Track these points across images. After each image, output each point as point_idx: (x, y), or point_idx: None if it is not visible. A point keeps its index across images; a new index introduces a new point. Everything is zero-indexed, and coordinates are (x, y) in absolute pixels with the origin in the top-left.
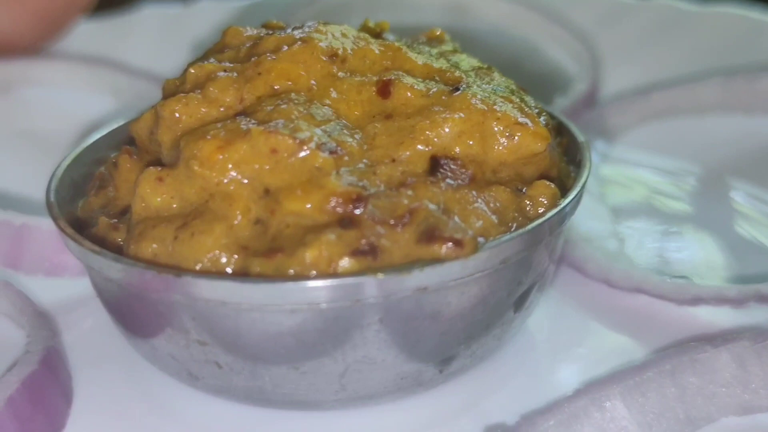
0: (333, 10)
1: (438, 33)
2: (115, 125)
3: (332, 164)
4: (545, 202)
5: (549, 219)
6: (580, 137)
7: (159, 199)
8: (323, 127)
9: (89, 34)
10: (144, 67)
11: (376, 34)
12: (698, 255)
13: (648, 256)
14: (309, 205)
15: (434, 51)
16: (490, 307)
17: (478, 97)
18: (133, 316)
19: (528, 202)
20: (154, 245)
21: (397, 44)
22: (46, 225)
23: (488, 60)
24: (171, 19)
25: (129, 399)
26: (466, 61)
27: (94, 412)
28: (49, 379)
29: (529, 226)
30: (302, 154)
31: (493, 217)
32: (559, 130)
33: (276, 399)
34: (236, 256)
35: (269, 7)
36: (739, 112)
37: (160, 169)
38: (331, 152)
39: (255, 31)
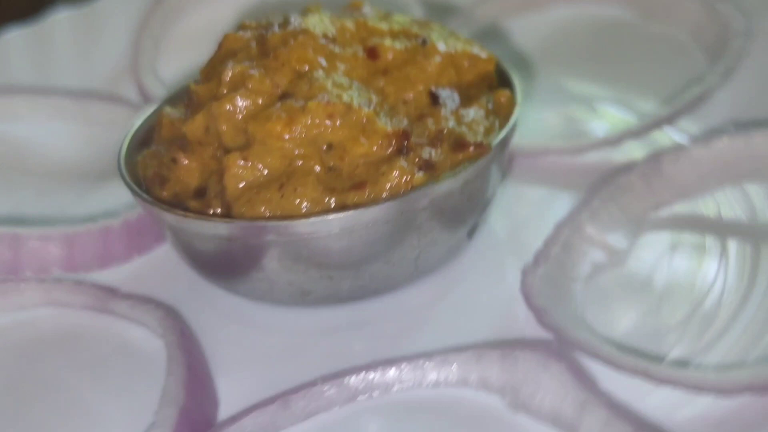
0: None
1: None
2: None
3: (373, 114)
4: (505, 101)
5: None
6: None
7: (248, 173)
8: (349, 91)
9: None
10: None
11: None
12: None
13: None
14: (375, 148)
15: (380, 15)
16: (491, 186)
17: (440, 43)
18: (241, 264)
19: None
20: (265, 207)
21: (361, 19)
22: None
23: None
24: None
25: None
26: (405, 18)
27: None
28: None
29: (511, 121)
30: (351, 113)
31: (487, 122)
32: None
33: (370, 291)
34: (329, 198)
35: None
36: None
37: (239, 152)
38: (366, 107)
39: (248, 33)
